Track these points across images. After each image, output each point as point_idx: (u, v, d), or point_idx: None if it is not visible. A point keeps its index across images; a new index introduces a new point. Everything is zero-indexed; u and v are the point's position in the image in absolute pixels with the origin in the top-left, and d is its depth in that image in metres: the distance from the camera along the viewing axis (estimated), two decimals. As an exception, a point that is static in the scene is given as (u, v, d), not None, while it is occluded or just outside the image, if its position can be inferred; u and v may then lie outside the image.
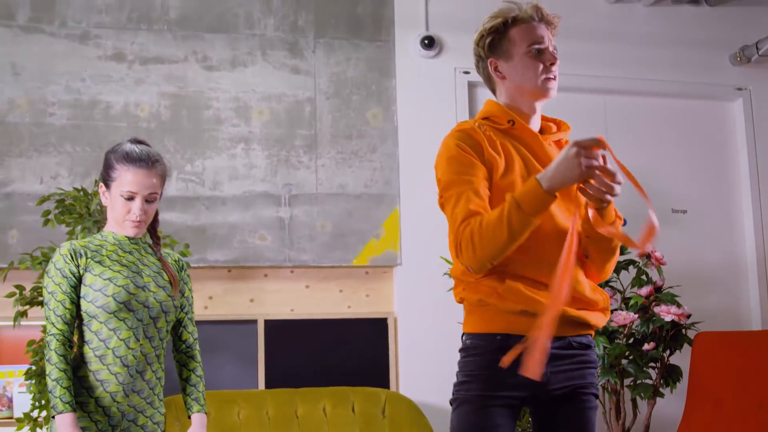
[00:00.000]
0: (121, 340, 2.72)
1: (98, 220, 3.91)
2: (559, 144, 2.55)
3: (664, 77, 5.60)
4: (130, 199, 2.77)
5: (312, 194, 5.03)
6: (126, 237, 2.86)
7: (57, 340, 2.68)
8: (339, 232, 5.03)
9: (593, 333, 2.48)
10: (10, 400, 4.59)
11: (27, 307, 3.91)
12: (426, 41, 5.23)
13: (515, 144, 2.45)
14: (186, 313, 2.98)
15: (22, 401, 4.45)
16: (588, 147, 2.18)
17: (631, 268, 4.68)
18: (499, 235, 2.22)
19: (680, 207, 5.60)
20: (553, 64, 2.48)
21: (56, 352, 2.66)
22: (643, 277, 4.65)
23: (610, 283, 4.60)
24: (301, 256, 4.94)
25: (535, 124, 2.53)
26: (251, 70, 5.06)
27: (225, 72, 5.03)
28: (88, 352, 2.73)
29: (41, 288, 3.87)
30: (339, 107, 5.14)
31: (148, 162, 2.79)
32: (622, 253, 4.64)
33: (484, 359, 2.36)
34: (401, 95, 5.22)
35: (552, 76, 2.48)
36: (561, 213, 2.40)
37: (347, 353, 4.95)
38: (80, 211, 3.96)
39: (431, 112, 5.22)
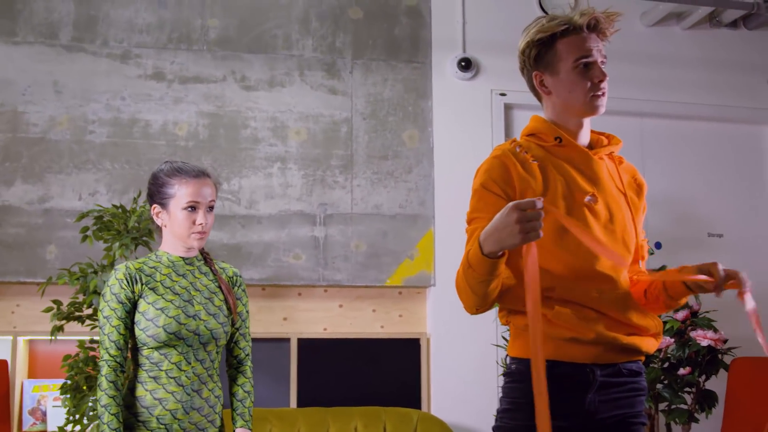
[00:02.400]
0: (172, 363, 2.71)
1: (135, 237, 3.93)
2: (611, 158, 2.45)
3: (701, 100, 5.55)
4: (193, 209, 2.77)
5: (347, 214, 5.02)
6: (180, 258, 2.84)
7: (108, 366, 2.66)
8: (373, 252, 5.02)
9: (643, 359, 2.35)
10: (44, 413, 4.61)
11: (64, 321, 3.93)
12: (463, 63, 5.22)
13: (560, 163, 2.35)
14: (238, 329, 2.93)
15: (56, 415, 4.47)
16: (526, 208, 1.96)
17: (666, 292, 4.61)
18: (465, 290, 2.21)
19: (716, 231, 5.52)
20: (601, 81, 2.37)
21: (106, 378, 2.65)
22: (679, 301, 4.58)
23: (646, 307, 4.53)
24: (335, 275, 4.92)
25: (584, 139, 2.41)
26: (289, 90, 5.07)
27: (263, 92, 5.05)
28: (143, 374, 2.72)
29: (78, 303, 3.90)
30: (375, 128, 5.14)
31: (203, 172, 2.82)
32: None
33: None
34: (437, 116, 5.20)
35: (600, 93, 2.37)
36: (609, 235, 2.32)
37: (379, 373, 4.92)
38: (118, 228, 3.98)
39: (467, 134, 5.20)
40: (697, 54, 5.61)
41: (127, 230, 3.97)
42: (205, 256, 2.93)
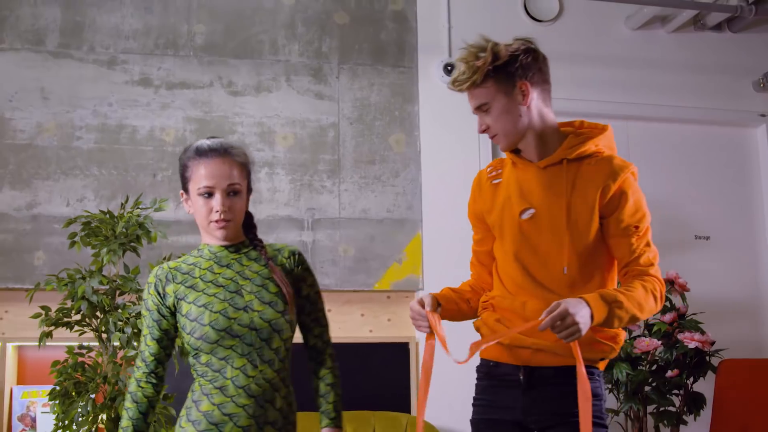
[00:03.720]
0: (237, 369, 2.38)
1: (123, 243, 3.93)
2: (572, 162, 2.52)
3: (686, 103, 5.58)
4: (210, 195, 2.44)
5: (335, 219, 5.04)
6: (222, 247, 2.52)
7: (134, 376, 2.48)
8: (361, 257, 5.03)
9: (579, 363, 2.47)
10: (34, 419, 4.60)
11: (52, 328, 3.92)
12: (449, 68, 5.24)
13: (512, 178, 2.59)
14: (308, 315, 2.57)
15: (46, 421, 4.47)
16: (412, 309, 2.57)
17: (653, 294, 4.63)
18: None
19: (703, 233, 5.55)
20: (483, 131, 2.57)
21: (129, 390, 2.50)
22: (667, 303, 4.61)
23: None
24: (324, 280, 4.94)
25: (535, 151, 2.55)
26: (275, 96, 5.08)
27: (250, 97, 5.06)
28: (207, 385, 2.40)
29: (66, 309, 3.90)
30: (362, 132, 5.16)
31: (220, 150, 2.46)
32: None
33: (479, 384, 2.68)
34: (424, 121, 5.23)
35: (489, 136, 2.56)
36: (556, 243, 2.50)
37: (368, 377, 4.93)
38: (106, 234, 3.98)
39: (454, 138, 5.22)
40: (682, 57, 5.65)
41: (115, 236, 3.97)
42: (252, 240, 2.57)
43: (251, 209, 2.62)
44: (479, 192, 2.69)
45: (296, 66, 5.15)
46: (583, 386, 2.25)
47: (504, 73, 2.49)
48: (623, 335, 2.56)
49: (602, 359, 2.52)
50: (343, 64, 5.21)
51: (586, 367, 2.36)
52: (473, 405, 2.68)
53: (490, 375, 2.63)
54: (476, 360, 2.62)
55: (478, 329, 2.66)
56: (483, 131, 2.54)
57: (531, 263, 2.50)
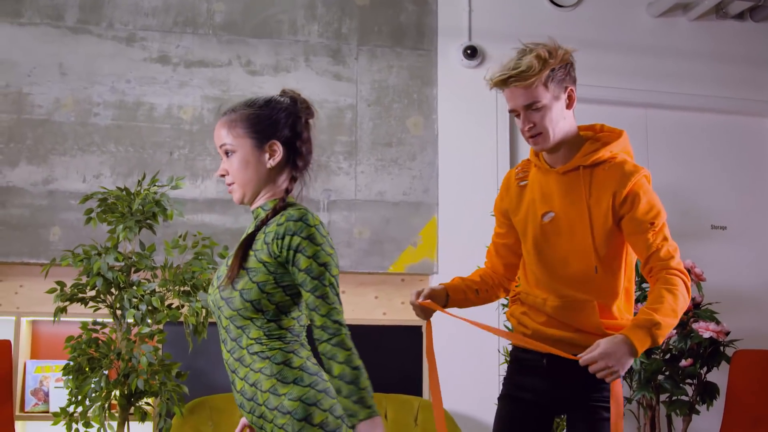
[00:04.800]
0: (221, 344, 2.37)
1: (140, 220, 3.93)
2: (588, 169, 2.63)
3: (706, 92, 5.53)
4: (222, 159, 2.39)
5: (351, 200, 5.02)
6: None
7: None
8: (376, 239, 5.01)
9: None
10: (47, 394, 4.62)
11: (67, 303, 3.93)
12: (468, 51, 5.20)
13: (537, 182, 2.71)
14: (302, 286, 2.23)
15: (59, 396, 4.48)
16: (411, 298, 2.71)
17: (669, 283, 4.60)
18: None
19: (720, 223, 5.51)
20: (525, 129, 2.61)
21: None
22: (682, 292, 4.57)
23: (648, 298, 4.53)
24: (338, 261, 4.92)
25: (557, 157, 2.65)
26: (294, 76, 5.06)
27: (268, 77, 5.04)
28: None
29: (81, 285, 3.90)
30: (380, 114, 5.13)
31: (220, 114, 2.40)
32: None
33: (509, 367, 2.85)
34: (442, 104, 5.19)
35: (529, 136, 2.61)
36: (573, 246, 2.64)
37: (381, 360, 4.91)
38: (122, 210, 3.98)
39: (472, 122, 5.19)
40: (703, 45, 5.59)
41: (131, 213, 3.96)
42: (266, 212, 2.36)
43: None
44: (507, 192, 2.81)
45: (315, 47, 5.12)
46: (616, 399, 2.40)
47: (560, 75, 2.58)
48: None
49: None
50: (362, 46, 5.18)
51: None
52: (503, 383, 2.84)
53: (518, 359, 2.79)
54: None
55: (508, 319, 2.87)
56: (528, 129, 2.58)
57: (550, 263, 2.65)
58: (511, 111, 2.61)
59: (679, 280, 2.47)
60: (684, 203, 5.40)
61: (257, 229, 2.31)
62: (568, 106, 2.61)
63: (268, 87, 5.01)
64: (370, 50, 5.18)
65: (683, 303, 2.45)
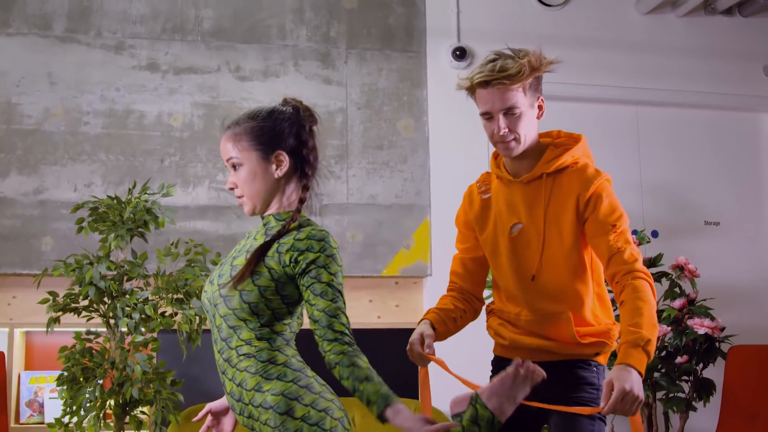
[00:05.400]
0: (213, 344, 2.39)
1: (131, 228, 3.92)
2: (549, 176, 2.60)
3: (696, 88, 5.53)
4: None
5: (343, 204, 5.01)
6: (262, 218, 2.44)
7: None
8: (369, 242, 5.01)
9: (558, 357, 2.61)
10: (41, 405, 4.60)
11: (60, 313, 3.91)
12: (457, 52, 5.20)
13: (501, 194, 2.67)
14: (306, 287, 2.25)
15: (53, 407, 4.46)
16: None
17: (663, 280, 4.60)
18: None
19: (713, 219, 5.51)
20: (496, 134, 2.56)
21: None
22: (676, 289, 4.58)
23: (642, 296, 4.53)
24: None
25: (520, 165, 2.62)
26: (283, 81, 5.05)
27: (257, 82, 5.03)
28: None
29: (74, 294, 3.89)
30: (370, 117, 5.13)
31: (224, 128, 2.45)
32: (654, 265, 4.58)
33: (491, 377, 2.77)
34: (432, 106, 5.19)
35: (500, 142, 2.56)
36: (546, 259, 2.60)
37: (376, 364, 4.85)
38: (113, 219, 3.96)
39: (462, 123, 5.17)
40: (692, 42, 5.60)
41: (123, 221, 3.95)
42: (282, 221, 2.37)
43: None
44: (470, 205, 2.77)
45: (304, 51, 5.12)
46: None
47: (535, 84, 2.56)
48: (616, 329, 2.62)
49: (597, 354, 2.62)
50: (351, 49, 5.18)
51: (581, 360, 2.58)
52: None
53: (499, 368, 2.71)
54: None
55: (487, 331, 2.83)
56: (504, 134, 2.54)
57: (522, 276, 2.61)
58: (484, 114, 2.56)
59: (647, 285, 2.42)
60: (677, 200, 5.40)
61: (272, 239, 2.32)
62: (539, 116, 2.59)
63: (258, 92, 5.00)
64: (359, 53, 5.18)
65: (655, 308, 2.42)
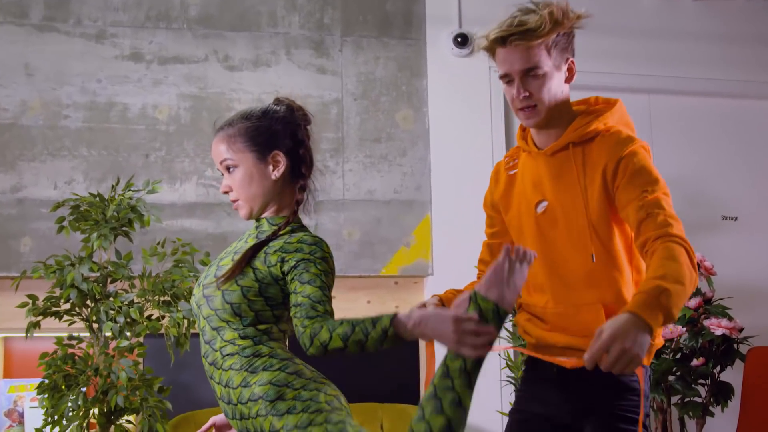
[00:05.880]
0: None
1: (114, 227, 3.94)
2: (576, 146, 2.47)
3: (713, 75, 5.55)
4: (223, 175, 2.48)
5: (338, 200, 5.04)
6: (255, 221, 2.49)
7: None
8: (367, 241, 5.03)
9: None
10: (21, 415, 4.63)
11: (40, 317, 3.93)
12: (459, 39, 5.22)
13: (527, 169, 2.57)
14: (292, 279, 2.29)
15: (34, 416, 4.49)
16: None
17: (678, 278, 4.62)
18: None
19: (731, 214, 5.54)
20: (517, 98, 2.45)
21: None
22: (692, 288, 4.59)
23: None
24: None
25: (547, 136, 2.51)
26: (275, 70, 5.08)
27: (247, 72, 5.06)
28: None
29: (55, 298, 3.91)
30: (367, 109, 5.15)
31: (215, 130, 2.49)
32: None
33: (523, 377, 2.70)
34: (433, 96, 5.21)
35: (520, 108, 2.46)
36: (569, 239, 2.47)
37: (375, 368, 4.94)
38: (96, 218, 3.99)
39: (465, 114, 5.21)
40: (708, 26, 5.61)
41: (106, 220, 3.97)
42: (275, 225, 2.43)
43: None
44: (496, 184, 2.67)
45: (297, 39, 5.15)
46: None
47: (563, 43, 2.46)
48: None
49: None
50: (346, 37, 5.21)
51: None
52: (515, 394, 2.75)
53: (532, 369, 2.64)
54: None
55: (517, 329, 2.76)
56: (523, 99, 2.42)
57: (549, 261, 2.48)
58: (503, 76, 2.44)
59: (682, 249, 2.16)
60: (692, 193, 5.43)
61: (265, 241, 2.36)
62: (568, 79, 2.47)
63: (248, 83, 5.03)
64: (354, 41, 5.21)
65: (690, 275, 2.12)
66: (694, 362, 4.40)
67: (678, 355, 4.49)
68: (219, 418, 2.60)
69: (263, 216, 2.46)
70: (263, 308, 2.31)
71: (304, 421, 2.15)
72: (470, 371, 2.13)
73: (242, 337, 2.29)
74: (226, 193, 2.45)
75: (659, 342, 2.51)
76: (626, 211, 2.32)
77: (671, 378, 4.49)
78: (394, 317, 2.15)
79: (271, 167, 2.43)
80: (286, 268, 2.28)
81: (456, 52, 5.23)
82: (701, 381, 4.51)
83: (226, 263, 2.38)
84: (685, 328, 4.40)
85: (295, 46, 5.14)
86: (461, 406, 2.11)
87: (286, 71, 5.09)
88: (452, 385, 2.12)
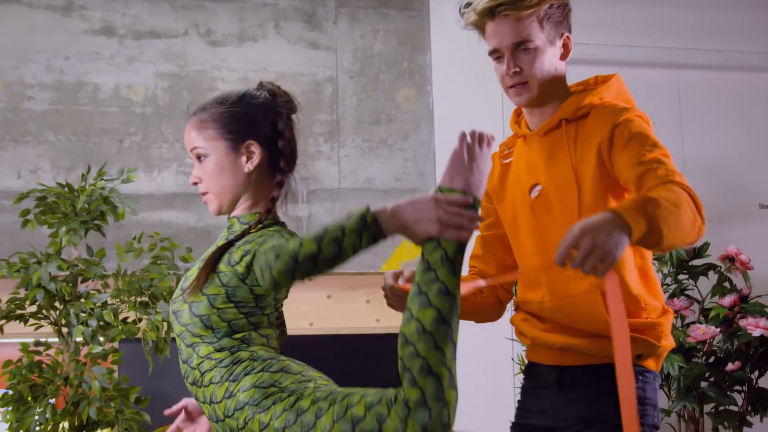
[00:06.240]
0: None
1: (86, 221, 3.92)
2: (569, 123, 2.51)
3: (749, 47, 5.52)
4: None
5: (334, 189, 5.02)
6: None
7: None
8: (366, 234, 5.01)
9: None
10: (-15, 430, 4.62)
11: (3, 321, 3.92)
12: (466, 9, 5.19)
13: (520, 154, 2.63)
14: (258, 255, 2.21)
15: (-1, 431, 4.48)
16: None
17: (711, 273, 4.61)
18: None
19: (769, 202, 5.54)
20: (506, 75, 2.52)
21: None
22: (726, 284, 4.58)
23: (686, 292, 4.54)
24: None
25: (540, 114, 2.56)
26: (262, 46, 5.06)
27: (232, 48, 5.04)
28: None
29: (20, 299, 3.89)
30: (365, 88, 5.13)
31: (189, 114, 2.46)
32: (699, 256, 4.58)
33: (522, 387, 2.75)
34: (437, 73, 5.20)
35: (509, 85, 2.53)
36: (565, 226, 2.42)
37: (376, 373, 4.88)
38: (65, 210, 3.97)
39: (472, 93, 5.19)
40: (745, -7, 5.60)
41: (76, 213, 3.95)
42: (246, 224, 2.38)
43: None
44: (490, 173, 2.59)
45: (286, 10, 5.12)
46: (624, 381, 2.02)
47: (557, 17, 2.50)
48: (666, 323, 2.50)
49: (639, 356, 2.45)
50: (341, 8, 5.19)
51: None
52: (516, 408, 2.75)
53: (530, 376, 2.68)
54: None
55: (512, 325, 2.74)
56: (513, 74, 2.48)
57: (546, 249, 2.49)
58: (492, 52, 2.52)
59: (686, 194, 2.15)
60: (726, 179, 5.41)
61: (229, 243, 2.32)
62: (563, 56, 2.53)
63: (232, 60, 5.01)
64: (350, 12, 5.19)
65: (692, 215, 2.12)
66: (730, 366, 4.39)
67: (711, 359, 4.49)
68: (192, 401, 2.56)
69: (234, 214, 2.42)
70: (236, 317, 2.25)
71: (290, 402, 2.13)
72: (452, 258, 2.10)
73: (218, 350, 2.25)
74: (195, 184, 2.42)
75: (668, 343, 2.50)
76: (624, 174, 2.33)
77: (704, 384, 4.47)
78: (368, 207, 2.11)
79: (244, 158, 2.38)
80: (249, 258, 2.21)
81: (463, 24, 5.19)
82: (737, 387, 4.50)
83: (193, 273, 2.34)
84: (719, 329, 4.38)
85: (285, 18, 5.12)
86: (449, 294, 2.09)
87: (275, 46, 5.07)
88: (436, 276, 2.10)
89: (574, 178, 2.44)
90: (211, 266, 2.27)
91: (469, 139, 2.22)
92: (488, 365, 4.92)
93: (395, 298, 2.57)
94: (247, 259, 2.21)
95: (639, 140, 2.34)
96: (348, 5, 5.20)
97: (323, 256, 2.10)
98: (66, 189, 4.03)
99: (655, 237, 2.02)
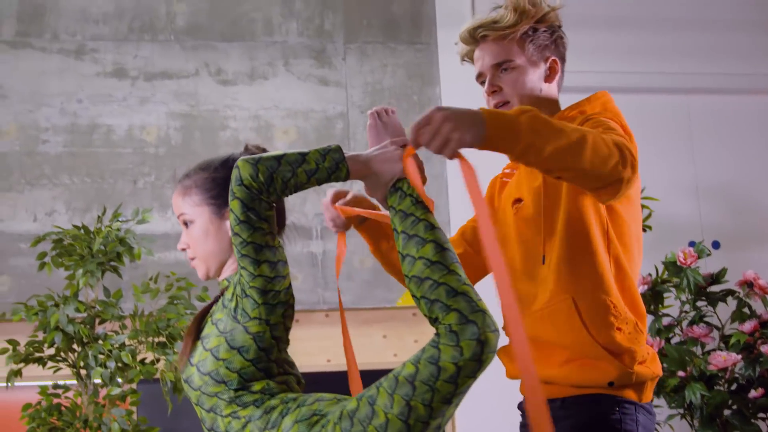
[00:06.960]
0: None
1: (102, 262, 3.94)
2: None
3: (759, 69, 5.52)
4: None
5: (348, 224, 5.02)
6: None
7: None
8: (381, 269, 4.98)
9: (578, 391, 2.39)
10: (5, 475, 4.62)
11: (22, 365, 3.93)
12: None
13: (518, 171, 2.61)
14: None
15: (19, 476, 4.48)
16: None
17: (730, 299, 4.59)
18: None
19: (785, 225, 5.51)
20: (490, 94, 2.54)
21: None
22: (745, 309, 4.56)
23: (705, 319, 4.52)
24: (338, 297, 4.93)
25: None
26: (272, 83, 5.08)
27: (242, 86, 5.06)
28: None
29: (38, 342, 3.90)
30: (376, 122, 5.14)
31: (176, 181, 2.48)
32: (717, 281, 4.55)
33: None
34: (447, 105, 5.20)
35: (493, 103, 2.54)
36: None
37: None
38: (81, 252, 3.99)
39: (484, 124, 5.19)
40: (754, 16, 5.59)
41: (92, 254, 3.97)
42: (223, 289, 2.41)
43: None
44: (489, 197, 2.74)
45: (295, 47, 5.15)
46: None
47: (542, 39, 2.52)
48: (646, 352, 2.38)
49: (611, 384, 2.32)
50: (349, 44, 5.21)
51: (592, 395, 2.31)
52: None
53: (522, 412, 2.65)
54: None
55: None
56: (493, 92, 2.51)
57: (524, 266, 2.48)
58: (478, 77, 2.55)
59: (607, 136, 2.15)
60: (740, 203, 5.39)
61: (210, 305, 2.34)
62: (548, 78, 2.52)
63: (243, 98, 5.04)
64: (359, 48, 5.21)
65: (593, 142, 2.10)
66: (753, 393, 4.36)
67: (734, 386, 4.45)
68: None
69: (223, 277, 2.40)
70: (243, 365, 2.21)
71: (337, 416, 2.13)
72: (420, 200, 2.22)
73: (242, 407, 2.21)
74: (184, 250, 2.42)
75: (651, 370, 2.38)
76: None
77: (727, 412, 4.44)
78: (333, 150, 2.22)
79: (228, 222, 2.36)
80: (239, 290, 2.20)
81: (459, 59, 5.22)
82: (761, 415, 4.47)
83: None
84: (740, 356, 4.36)
85: (294, 55, 5.15)
86: (435, 227, 2.18)
87: (285, 84, 5.09)
88: (417, 217, 2.20)
89: (542, 189, 2.42)
90: (194, 333, 2.27)
91: (374, 120, 2.31)
92: (507, 399, 4.90)
93: (329, 213, 2.53)
94: (237, 291, 2.20)
95: (600, 123, 2.31)
96: (356, 41, 5.23)
97: (287, 158, 2.14)
98: (82, 231, 4.04)
99: (522, 146, 2.12)
